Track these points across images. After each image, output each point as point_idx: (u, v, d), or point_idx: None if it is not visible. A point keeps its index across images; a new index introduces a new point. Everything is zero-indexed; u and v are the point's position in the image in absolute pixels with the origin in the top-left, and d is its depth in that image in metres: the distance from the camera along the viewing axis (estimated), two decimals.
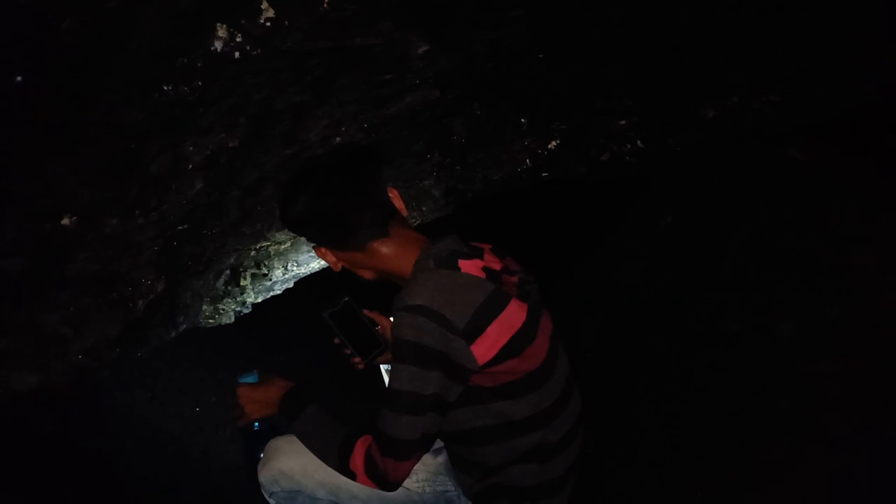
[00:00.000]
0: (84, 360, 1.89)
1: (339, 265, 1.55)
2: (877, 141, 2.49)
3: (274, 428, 1.68)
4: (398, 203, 1.56)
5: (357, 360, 1.73)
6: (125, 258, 1.78)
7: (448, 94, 1.98)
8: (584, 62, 2.26)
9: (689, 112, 2.66)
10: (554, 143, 2.56)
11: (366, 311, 1.73)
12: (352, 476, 1.42)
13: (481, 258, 1.47)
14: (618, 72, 2.37)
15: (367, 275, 1.55)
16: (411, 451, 1.38)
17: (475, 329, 1.34)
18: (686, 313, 2.50)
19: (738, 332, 2.30)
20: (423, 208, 2.45)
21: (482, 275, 1.41)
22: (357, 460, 1.41)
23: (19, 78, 1.32)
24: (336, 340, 1.71)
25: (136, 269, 1.83)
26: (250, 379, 1.63)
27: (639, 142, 2.77)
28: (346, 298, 1.67)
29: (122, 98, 1.52)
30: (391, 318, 1.55)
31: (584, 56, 2.22)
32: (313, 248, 1.56)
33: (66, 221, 1.64)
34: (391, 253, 1.49)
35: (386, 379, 1.80)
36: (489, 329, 1.35)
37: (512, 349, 1.38)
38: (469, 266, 1.42)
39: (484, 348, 1.35)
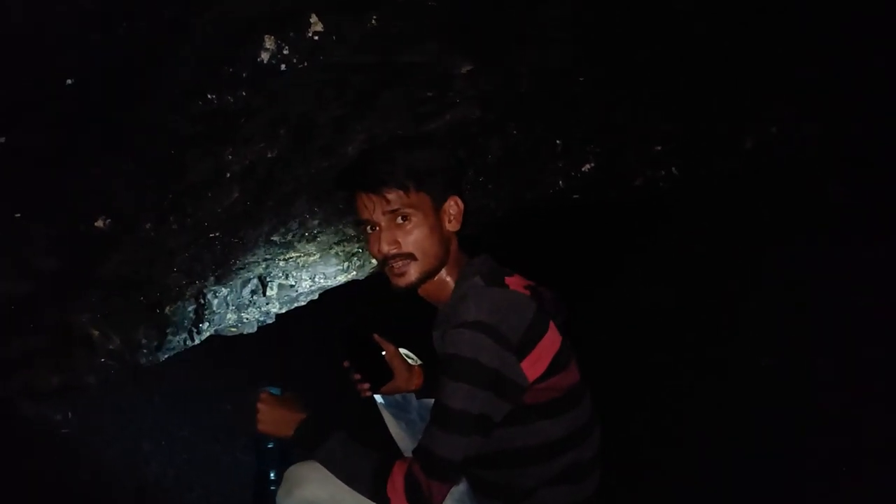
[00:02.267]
0: (107, 362, 1.88)
1: (421, 234, 1.45)
2: None
3: (285, 451, 1.65)
4: (456, 209, 1.55)
5: (365, 386, 1.71)
6: (157, 263, 1.78)
7: (487, 113, 1.97)
8: (624, 86, 2.23)
9: (726, 140, 2.63)
10: (588, 165, 2.54)
11: (377, 337, 1.71)
12: (386, 501, 1.38)
13: (520, 277, 1.49)
14: (657, 96, 2.34)
15: (430, 264, 1.47)
16: (455, 473, 1.37)
17: (526, 345, 1.35)
18: (716, 344, 2.46)
19: (770, 368, 2.26)
20: None
21: (528, 292, 1.42)
22: (397, 483, 1.36)
23: (70, 81, 1.33)
24: (345, 364, 1.69)
25: (167, 274, 1.82)
26: (274, 391, 1.59)
27: (673, 168, 2.74)
28: (356, 322, 1.66)
29: (169, 104, 1.52)
30: (401, 349, 1.64)
31: (625, 80, 2.20)
32: (416, 194, 1.45)
33: (102, 224, 1.63)
34: (454, 255, 1.52)
35: (382, 409, 1.77)
36: (538, 346, 1.37)
37: (556, 366, 1.40)
38: (515, 283, 1.44)
39: (533, 365, 1.36)
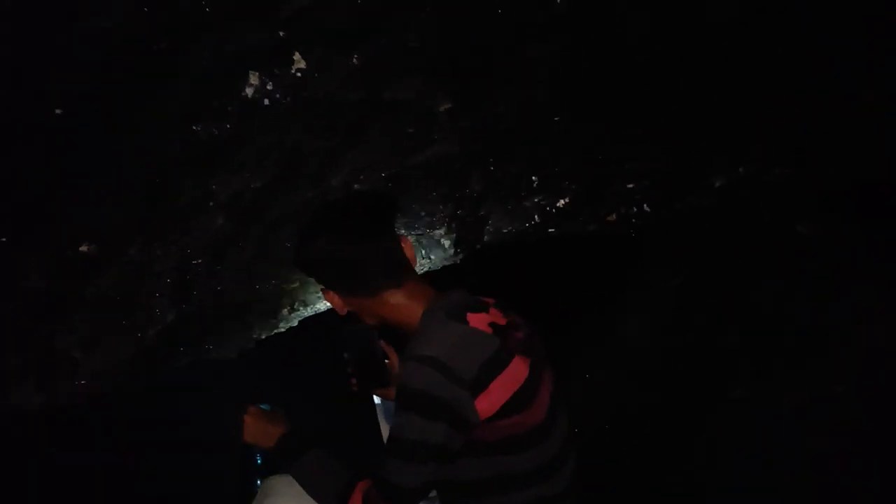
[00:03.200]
0: (90, 384, 1.91)
1: (346, 310, 1.57)
2: (887, 216, 2.53)
3: (271, 465, 1.69)
4: (410, 253, 1.57)
5: (354, 381, 1.73)
6: (142, 287, 1.82)
7: (468, 149, 2.04)
8: (599, 126, 2.32)
9: (697, 179, 2.71)
10: (563, 200, 2.61)
11: (383, 343, 1.74)
12: None
13: (488, 312, 1.49)
14: (630, 136, 2.43)
15: (373, 321, 1.57)
16: (412, 500, 1.38)
17: (480, 383, 1.35)
18: (691, 377, 2.51)
19: (743, 400, 2.31)
20: (432, 256, 2.49)
21: (489, 330, 1.43)
22: None
23: (59, 111, 1.38)
24: (345, 355, 1.71)
25: (151, 298, 1.86)
26: (264, 407, 1.66)
27: (645, 205, 2.82)
28: (367, 327, 1.66)
29: (157, 134, 1.58)
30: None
31: (600, 120, 2.29)
32: (321, 290, 1.58)
33: (88, 247, 1.68)
34: (401, 304, 1.51)
35: (379, 410, 1.80)
36: (493, 384, 1.36)
37: (514, 405, 1.39)
38: (477, 320, 1.44)
39: (487, 403, 1.35)
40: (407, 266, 1.54)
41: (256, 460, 1.67)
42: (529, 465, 1.44)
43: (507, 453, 1.42)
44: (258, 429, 1.60)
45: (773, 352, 2.35)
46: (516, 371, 1.41)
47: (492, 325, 1.45)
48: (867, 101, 2.43)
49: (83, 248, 1.66)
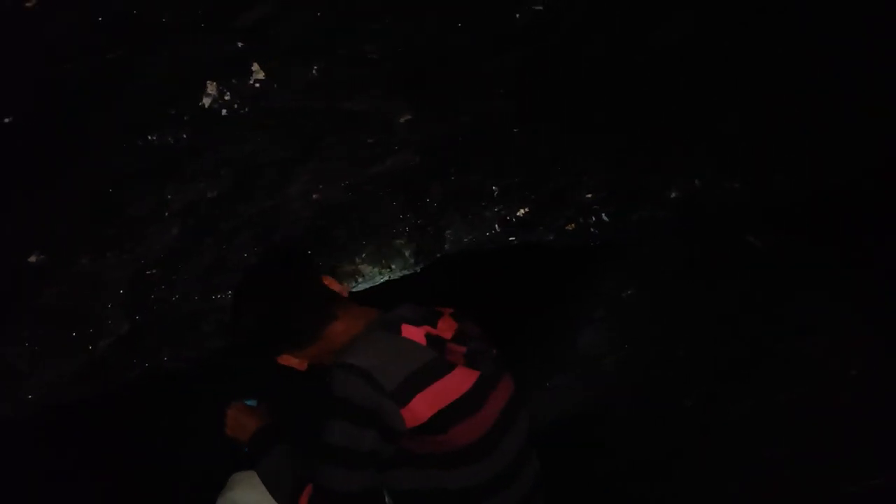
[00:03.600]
0: (36, 398, 1.86)
1: (305, 363, 1.59)
2: (834, 227, 2.62)
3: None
4: (336, 287, 1.61)
5: None
6: (92, 297, 1.78)
7: (428, 159, 2.05)
8: (557, 137, 2.35)
9: (654, 190, 2.77)
10: (523, 210, 2.64)
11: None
12: None
13: (433, 325, 1.50)
14: (588, 148, 2.47)
15: (331, 359, 1.54)
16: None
17: (406, 393, 1.36)
18: (643, 387, 2.56)
19: (692, 410, 2.36)
20: (392, 266, 2.48)
21: (423, 342, 1.44)
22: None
23: (7, 119, 1.35)
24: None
25: (102, 309, 1.82)
26: (248, 402, 1.68)
27: (603, 215, 2.86)
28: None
29: (110, 141, 1.55)
30: None
31: (558, 132, 2.32)
32: (276, 359, 1.59)
33: (36, 257, 1.64)
34: (343, 330, 1.53)
35: None
36: (422, 395, 1.37)
37: (447, 418, 1.39)
38: (412, 332, 1.45)
39: (414, 413, 1.36)
40: (338, 298, 1.58)
41: (244, 452, 1.67)
42: (462, 483, 1.43)
43: (438, 467, 1.43)
44: (238, 423, 1.62)
45: (721, 362, 2.41)
46: (452, 383, 1.41)
47: (429, 336, 1.46)
48: (816, 113, 2.51)
49: (32, 259, 1.62)
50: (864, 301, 2.38)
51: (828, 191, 2.65)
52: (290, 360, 1.58)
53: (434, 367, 1.41)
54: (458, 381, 1.42)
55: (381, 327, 1.47)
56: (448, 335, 1.49)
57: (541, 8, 1.76)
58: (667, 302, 2.78)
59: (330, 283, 1.60)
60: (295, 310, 1.52)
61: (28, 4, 1.15)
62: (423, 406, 1.37)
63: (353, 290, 2.34)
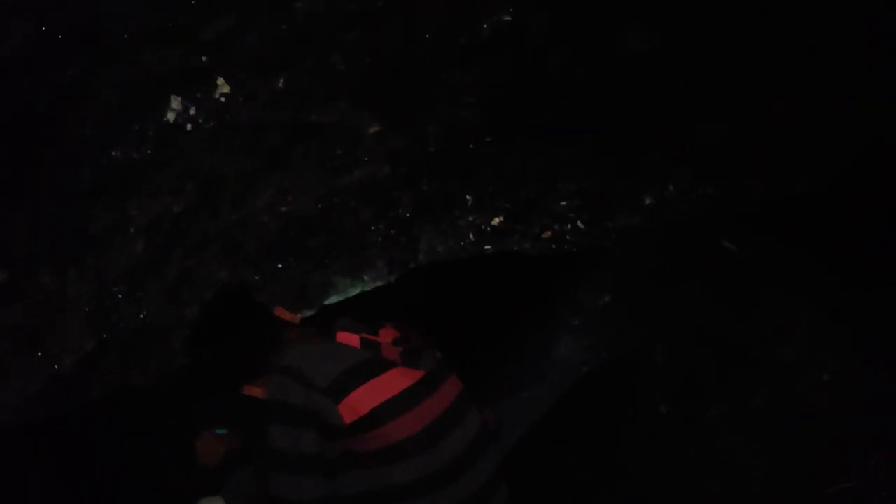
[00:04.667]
0: (0, 419, 1.82)
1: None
2: (804, 232, 2.64)
3: None
4: (286, 315, 1.63)
5: None
6: (56, 314, 1.75)
7: (398, 169, 2.04)
8: (530, 145, 2.35)
9: (628, 197, 2.78)
10: (498, 219, 2.63)
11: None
12: None
13: (373, 333, 1.54)
14: (561, 155, 2.47)
15: None
16: None
17: (341, 389, 1.38)
18: (620, 393, 2.56)
19: (668, 415, 2.36)
20: (365, 277, 2.47)
21: (357, 344, 1.49)
22: None
23: None
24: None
25: (67, 326, 1.79)
26: (220, 431, 1.67)
27: (579, 222, 2.87)
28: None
29: (71, 158, 1.52)
30: None
31: (530, 140, 2.32)
32: (243, 392, 1.59)
33: (1, 276, 1.61)
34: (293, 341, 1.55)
35: None
36: (359, 391, 1.39)
37: (385, 412, 1.41)
38: (346, 337, 1.50)
39: (351, 407, 1.38)
40: (288, 326, 1.60)
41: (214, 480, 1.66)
42: (410, 476, 1.44)
43: (385, 464, 1.43)
44: (209, 451, 1.63)
45: (697, 367, 2.41)
46: (391, 381, 1.44)
47: (363, 340, 1.50)
48: (785, 117, 2.54)
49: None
50: (836, 305, 2.40)
51: (798, 195, 2.67)
52: (253, 391, 1.58)
53: (369, 365, 1.44)
54: (397, 379, 1.45)
55: (315, 336, 1.51)
56: (386, 340, 1.54)
57: (509, 18, 1.76)
58: (643, 309, 2.78)
59: (280, 312, 1.63)
60: (245, 345, 1.55)
61: None
62: (359, 400, 1.39)
63: (326, 302, 2.32)
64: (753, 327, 2.44)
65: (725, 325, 2.50)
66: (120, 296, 1.81)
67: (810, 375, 2.26)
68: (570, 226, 2.81)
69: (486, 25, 1.73)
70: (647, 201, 2.78)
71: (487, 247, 2.75)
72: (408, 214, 2.28)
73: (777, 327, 2.42)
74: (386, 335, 1.54)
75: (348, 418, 1.37)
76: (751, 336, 2.41)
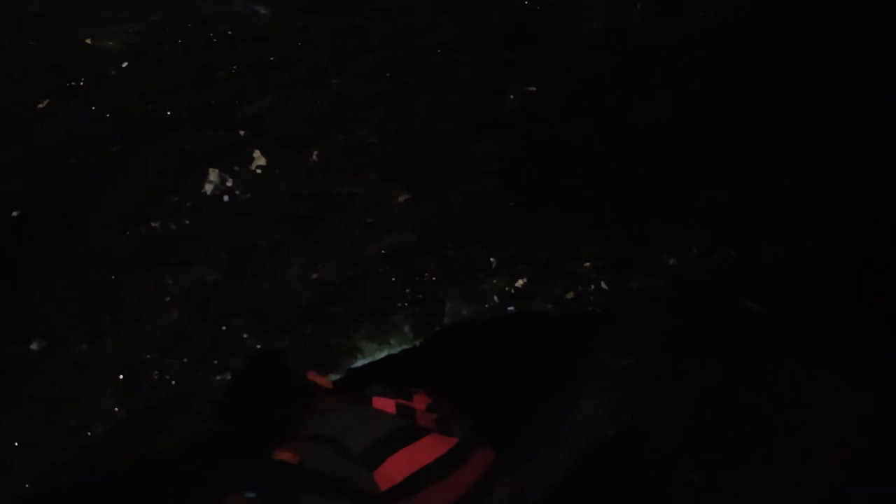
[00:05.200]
0: (29, 488, 1.82)
1: (298, 456, 1.55)
2: (829, 291, 2.63)
3: None
4: (319, 380, 1.64)
5: None
6: (89, 384, 1.76)
7: (425, 236, 2.07)
8: (552, 210, 2.38)
9: (650, 259, 2.79)
10: (521, 281, 2.65)
11: None
12: None
13: (408, 398, 1.53)
14: (583, 219, 2.50)
15: None
16: None
17: (376, 456, 1.36)
18: (642, 458, 2.52)
19: (693, 482, 2.32)
20: (392, 341, 2.48)
21: (393, 410, 1.47)
22: None
23: (16, 213, 1.37)
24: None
25: (98, 396, 1.80)
26: (248, 495, 1.63)
27: (602, 283, 2.88)
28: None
29: (110, 230, 1.56)
30: None
31: (553, 205, 2.35)
32: (272, 456, 1.58)
33: (38, 344, 1.63)
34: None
35: None
36: (394, 458, 1.38)
37: (420, 480, 1.39)
38: (382, 403, 1.48)
39: (387, 475, 1.36)
40: (318, 390, 1.60)
41: None
42: None
43: None
44: None
45: (720, 434, 2.38)
46: (425, 448, 1.43)
47: (399, 406, 1.49)
48: (797, 179, 2.56)
49: (34, 346, 1.62)
50: (860, 370, 2.38)
51: (815, 255, 2.68)
52: (283, 455, 1.57)
53: (405, 432, 1.43)
54: (432, 446, 1.44)
55: (349, 402, 1.50)
56: (421, 406, 1.53)
57: (534, 89, 1.81)
58: (665, 371, 2.76)
59: (313, 377, 1.63)
60: (276, 410, 1.54)
61: (40, 106, 1.19)
62: (395, 468, 1.37)
63: (353, 366, 2.33)
64: (779, 392, 2.42)
65: (750, 390, 2.48)
66: (150, 364, 1.82)
67: (838, 442, 2.23)
68: (592, 287, 2.82)
69: (512, 97, 1.77)
70: (670, 262, 2.79)
71: (510, 308, 2.76)
72: (433, 279, 2.30)
73: (802, 392, 2.39)
74: (420, 402, 1.54)
75: (384, 486, 1.36)
76: (776, 401, 2.39)
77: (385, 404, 1.48)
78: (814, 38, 2.13)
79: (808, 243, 2.78)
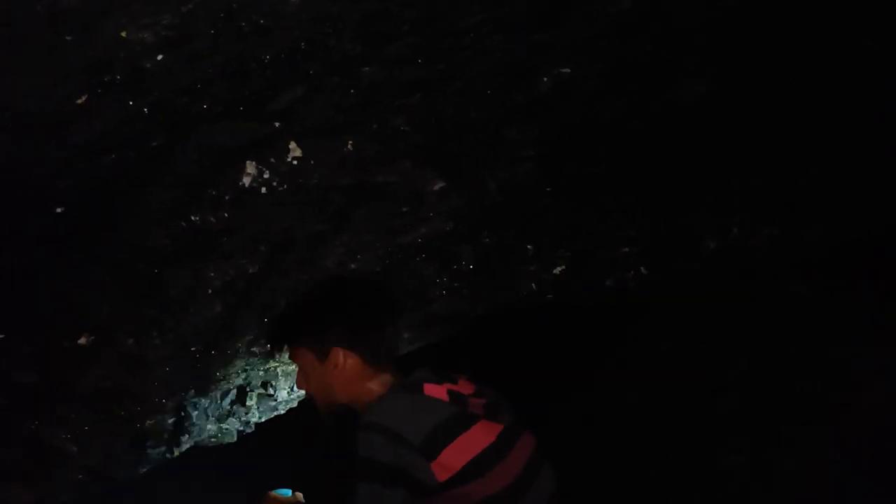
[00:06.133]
0: (84, 478, 1.87)
1: (312, 381, 1.57)
2: (877, 274, 2.55)
3: None
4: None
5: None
6: (137, 376, 1.81)
7: (459, 224, 2.07)
8: (589, 195, 2.36)
9: (690, 243, 2.75)
10: (559, 268, 2.63)
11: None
12: None
13: (454, 383, 1.52)
14: (621, 203, 2.47)
15: (328, 399, 1.57)
16: None
17: (434, 446, 1.35)
18: (686, 445, 2.49)
19: (738, 467, 2.28)
20: (429, 330, 2.49)
21: (446, 397, 1.45)
22: None
23: (60, 209, 1.41)
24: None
25: (147, 387, 1.85)
26: (283, 492, 1.66)
27: (642, 268, 2.84)
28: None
29: (151, 225, 1.60)
30: None
31: (589, 190, 2.33)
32: (295, 349, 1.58)
33: (83, 340, 1.68)
34: (370, 389, 1.54)
35: None
36: (450, 447, 1.36)
37: (475, 469, 1.38)
38: (433, 389, 1.46)
39: (444, 466, 1.35)
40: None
41: None
42: None
43: None
44: None
45: (768, 417, 2.33)
46: (477, 435, 1.42)
47: (450, 392, 1.47)
48: (848, 159, 2.49)
49: (82, 341, 1.66)
50: None
51: (863, 234, 2.61)
52: (304, 357, 1.57)
53: (459, 420, 1.41)
54: (482, 434, 1.43)
55: (402, 388, 1.49)
56: (468, 391, 1.51)
57: (568, 71, 1.79)
58: (707, 356, 2.72)
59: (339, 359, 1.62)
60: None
61: (79, 102, 1.22)
62: (451, 458, 1.36)
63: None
64: (828, 374, 2.36)
65: (796, 374, 2.43)
66: (197, 356, 1.86)
67: (892, 426, 2.16)
68: (631, 272, 2.79)
69: (546, 79, 1.76)
70: (711, 245, 2.74)
71: (549, 296, 2.75)
72: (470, 267, 2.29)
73: (852, 373, 2.33)
74: (465, 386, 1.53)
75: (441, 476, 1.35)
76: (825, 383, 2.33)
77: (436, 391, 1.46)
78: (860, 15, 2.06)
79: (854, 226, 2.71)
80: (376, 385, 1.55)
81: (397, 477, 1.33)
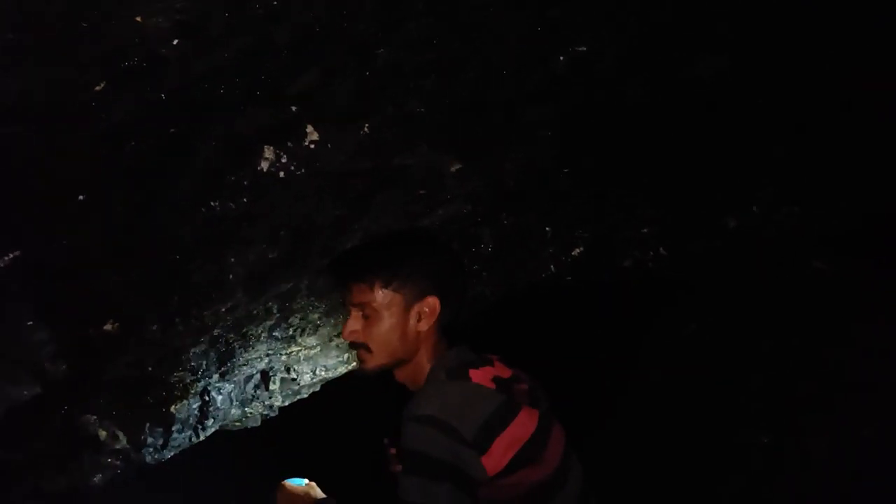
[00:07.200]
0: (114, 462, 1.91)
1: (379, 329, 1.55)
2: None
3: None
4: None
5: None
6: (163, 363, 1.83)
7: (478, 207, 2.07)
8: (608, 175, 2.34)
9: (710, 221, 2.72)
10: (577, 250, 2.63)
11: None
12: None
13: (492, 366, 1.51)
14: (640, 183, 2.45)
15: (386, 354, 1.56)
16: None
17: (485, 439, 1.34)
18: (712, 427, 2.47)
19: (770, 446, 2.27)
20: None
21: (492, 385, 1.44)
22: None
23: (82, 196, 1.42)
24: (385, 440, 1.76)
25: (173, 374, 1.87)
26: (297, 481, 1.68)
27: (661, 248, 2.82)
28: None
29: (170, 212, 1.61)
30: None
31: (608, 170, 2.31)
32: (378, 286, 1.56)
33: (108, 327, 1.70)
34: (431, 347, 1.55)
35: None
36: (499, 439, 1.36)
37: (522, 459, 1.38)
38: (479, 376, 1.45)
39: (494, 459, 1.35)
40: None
41: None
42: None
43: None
44: (289, 502, 1.62)
45: (795, 397, 2.31)
46: (523, 424, 1.41)
47: (495, 379, 1.46)
48: (871, 135, 2.45)
49: (107, 327, 1.68)
50: None
51: (885, 214, 2.56)
52: (384, 299, 1.55)
53: (506, 409, 1.40)
54: (527, 421, 1.42)
55: (449, 375, 1.47)
56: (507, 375, 1.51)
57: (584, 49, 1.77)
58: (732, 335, 2.70)
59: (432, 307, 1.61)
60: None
61: (97, 89, 1.23)
62: (502, 450, 1.36)
63: None
64: (854, 353, 2.33)
65: (823, 352, 2.40)
66: (221, 342, 1.88)
67: None
68: (651, 253, 2.77)
69: (562, 57, 1.74)
70: (731, 224, 2.71)
71: (568, 277, 2.74)
72: (489, 249, 2.29)
73: (880, 349, 2.30)
74: (501, 369, 1.51)
75: (492, 470, 1.34)
76: (854, 360, 2.30)
77: (481, 377, 1.45)
78: None
79: (877, 203, 2.66)
80: (439, 349, 1.55)
81: (448, 472, 1.32)
